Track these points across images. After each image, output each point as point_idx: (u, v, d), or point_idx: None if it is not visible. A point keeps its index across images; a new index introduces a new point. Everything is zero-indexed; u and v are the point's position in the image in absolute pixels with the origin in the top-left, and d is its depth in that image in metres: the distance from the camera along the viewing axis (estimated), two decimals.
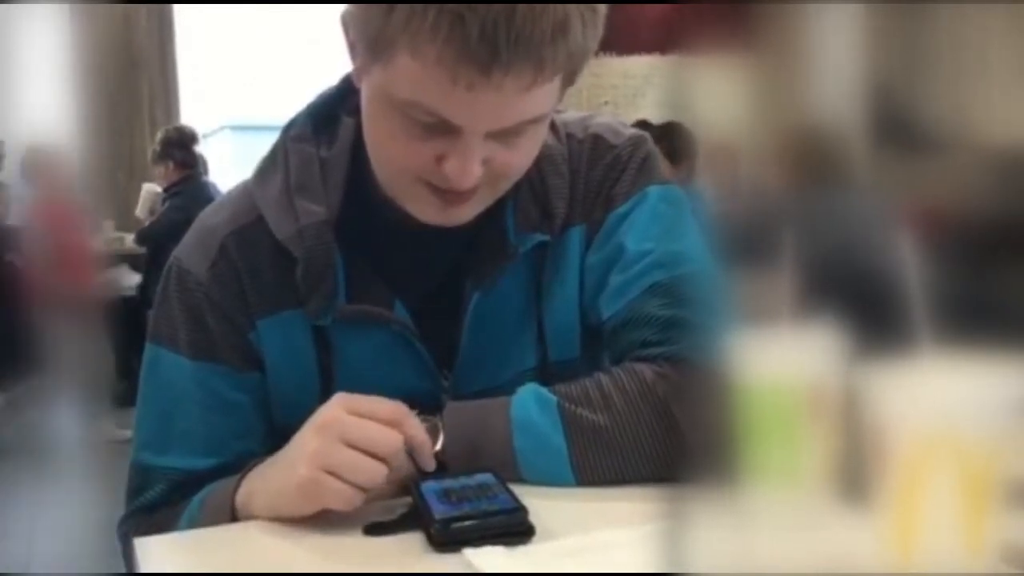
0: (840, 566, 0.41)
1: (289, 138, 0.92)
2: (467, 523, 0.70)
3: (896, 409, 0.42)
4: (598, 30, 0.76)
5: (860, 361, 0.41)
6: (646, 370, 0.84)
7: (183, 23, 6.41)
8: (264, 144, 0.96)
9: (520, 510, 0.72)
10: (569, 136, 0.94)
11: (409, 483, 0.77)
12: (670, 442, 0.80)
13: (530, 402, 0.83)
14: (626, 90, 4.76)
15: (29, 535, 3.05)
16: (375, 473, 0.74)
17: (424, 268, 0.92)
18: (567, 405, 0.82)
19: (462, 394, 0.89)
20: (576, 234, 0.93)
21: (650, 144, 0.96)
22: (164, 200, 4.75)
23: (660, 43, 4.28)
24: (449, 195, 0.80)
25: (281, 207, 0.88)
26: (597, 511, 0.78)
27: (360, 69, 0.80)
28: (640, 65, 4.63)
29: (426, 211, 0.83)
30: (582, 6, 0.73)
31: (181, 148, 4.66)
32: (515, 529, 0.71)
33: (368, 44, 0.76)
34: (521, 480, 0.80)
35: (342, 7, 0.79)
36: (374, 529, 0.74)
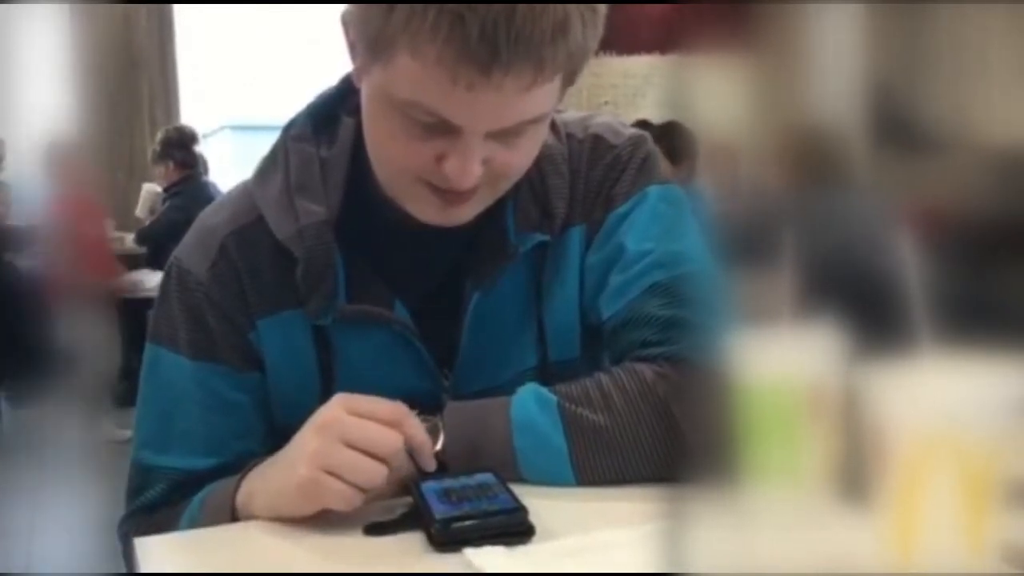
0: (840, 566, 0.41)
1: (289, 138, 0.92)
2: (467, 523, 0.70)
3: (896, 409, 0.42)
4: (598, 30, 0.76)
5: (860, 361, 0.41)
6: (646, 370, 0.84)
7: (183, 23, 6.42)
8: (264, 144, 0.96)
9: (520, 510, 0.72)
10: (569, 136, 0.94)
11: (409, 483, 0.77)
12: (670, 442, 0.80)
13: (530, 402, 0.83)
14: (626, 90, 4.75)
15: (29, 535, 3.05)
16: (375, 473, 0.74)
17: (424, 268, 0.92)
18: (567, 405, 0.82)
19: (462, 394, 0.89)
20: (576, 234, 0.93)
21: (650, 144, 0.96)
22: (164, 200, 4.75)
23: (660, 43, 4.28)
24: (449, 195, 0.80)
25: (281, 207, 0.88)
26: (597, 511, 0.78)
27: (360, 69, 0.80)
28: (640, 65, 4.62)
29: (426, 211, 0.83)
30: (582, 6, 0.73)
31: (181, 148, 4.67)
32: (515, 529, 0.71)
33: (368, 44, 0.76)
34: (521, 480, 0.80)
35: (342, 7, 0.79)
36: (374, 529, 0.74)
